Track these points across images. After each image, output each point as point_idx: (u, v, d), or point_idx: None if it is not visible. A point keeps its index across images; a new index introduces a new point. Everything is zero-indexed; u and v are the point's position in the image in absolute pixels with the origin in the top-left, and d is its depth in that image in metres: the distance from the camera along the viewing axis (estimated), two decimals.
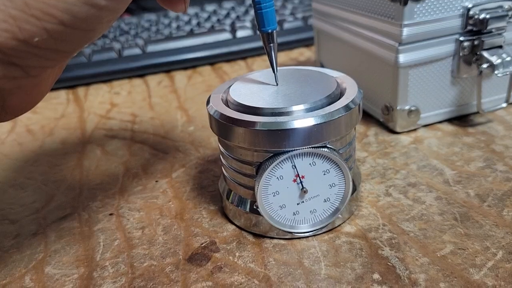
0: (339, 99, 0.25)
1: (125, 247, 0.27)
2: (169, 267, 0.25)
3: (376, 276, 0.23)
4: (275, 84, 0.27)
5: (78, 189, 0.34)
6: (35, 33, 0.16)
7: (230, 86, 0.29)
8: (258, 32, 0.62)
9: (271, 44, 0.27)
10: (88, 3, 0.16)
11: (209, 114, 0.26)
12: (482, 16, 0.33)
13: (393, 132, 0.37)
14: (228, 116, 0.25)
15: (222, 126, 0.25)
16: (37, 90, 0.21)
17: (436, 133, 0.36)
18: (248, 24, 0.64)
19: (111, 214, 0.30)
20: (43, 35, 0.17)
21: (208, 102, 0.27)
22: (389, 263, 0.24)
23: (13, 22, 0.16)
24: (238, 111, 0.25)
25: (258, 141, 0.24)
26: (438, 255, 0.24)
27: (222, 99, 0.27)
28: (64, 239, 0.28)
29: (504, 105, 0.36)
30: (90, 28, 0.18)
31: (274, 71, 0.27)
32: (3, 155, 0.40)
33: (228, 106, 0.26)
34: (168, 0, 0.25)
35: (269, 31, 0.26)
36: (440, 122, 0.38)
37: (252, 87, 0.27)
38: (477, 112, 0.38)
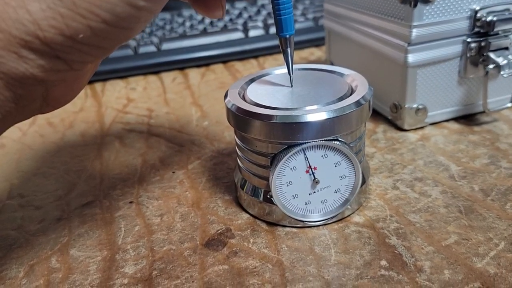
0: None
1: (145, 232, 0.29)
2: (187, 251, 0.27)
3: (383, 262, 0.24)
4: (290, 85, 0.29)
5: (98, 178, 0.36)
6: (81, 30, 0.18)
7: (246, 82, 0.30)
8: (272, 32, 0.63)
9: (288, 48, 0.28)
10: (129, 4, 0.18)
11: (227, 108, 0.28)
12: (489, 18, 0.34)
13: (401, 129, 0.38)
14: (246, 110, 0.26)
15: (240, 119, 0.26)
16: (77, 83, 0.23)
17: (442, 131, 0.37)
18: (260, 24, 0.65)
19: (131, 202, 0.32)
20: (87, 32, 0.18)
21: (226, 96, 0.29)
22: (396, 251, 0.25)
23: (61, 19, 0.18)
24: None
25: (273, 134, 0.25)
26: (443, 245, 0.25)
27: (239, 94, 0.29)
28: (87, 224, 0.30)
29: (510, 105, 0.37)
30: (129, 26, 0.19)
31: (289, 73, 0.29)
32: (26, 146, 0.42)
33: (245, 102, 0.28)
34: (206, 7, 0.26)
35: (287, 36, 0.28)
36: (447, 120, 0.39)
37: (268, 88, 0.29)
38: (483, 112, 0.39)
